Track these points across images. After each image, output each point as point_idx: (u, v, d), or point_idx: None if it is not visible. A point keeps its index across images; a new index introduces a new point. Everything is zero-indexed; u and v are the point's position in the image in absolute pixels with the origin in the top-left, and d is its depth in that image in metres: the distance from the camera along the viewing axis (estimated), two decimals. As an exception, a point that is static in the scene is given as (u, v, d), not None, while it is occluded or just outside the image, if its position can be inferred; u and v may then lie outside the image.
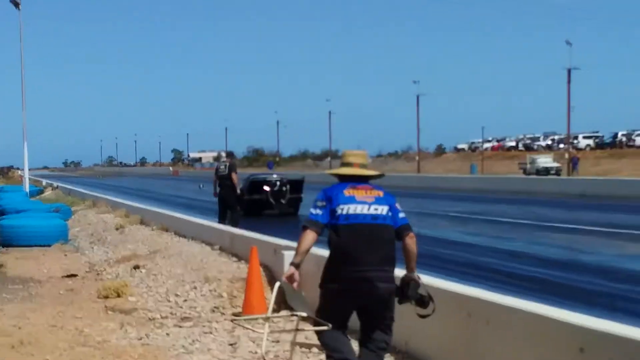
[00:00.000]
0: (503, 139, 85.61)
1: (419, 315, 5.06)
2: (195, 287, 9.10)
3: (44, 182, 46.09)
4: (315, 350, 5.92)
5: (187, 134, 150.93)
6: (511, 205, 25.30)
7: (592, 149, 67.79)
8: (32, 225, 15.28)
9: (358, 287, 4.74)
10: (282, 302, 7.70)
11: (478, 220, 19.76)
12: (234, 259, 10.65)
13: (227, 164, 16.73)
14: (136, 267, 11.07)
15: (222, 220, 16.29)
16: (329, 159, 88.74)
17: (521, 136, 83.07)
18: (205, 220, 15.67)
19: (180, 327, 7.51)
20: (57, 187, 39.19)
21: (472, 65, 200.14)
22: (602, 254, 12.80)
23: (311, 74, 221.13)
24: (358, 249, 4.75)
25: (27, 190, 29.92)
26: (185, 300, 8.62)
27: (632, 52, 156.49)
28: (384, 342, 4.93)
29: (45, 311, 8.35)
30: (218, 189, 16.61)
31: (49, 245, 14.77)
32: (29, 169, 32.47)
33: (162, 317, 7.96)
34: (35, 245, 14.69)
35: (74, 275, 11.05)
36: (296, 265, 4.83)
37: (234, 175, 16.28)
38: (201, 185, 30.04)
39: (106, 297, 9.02)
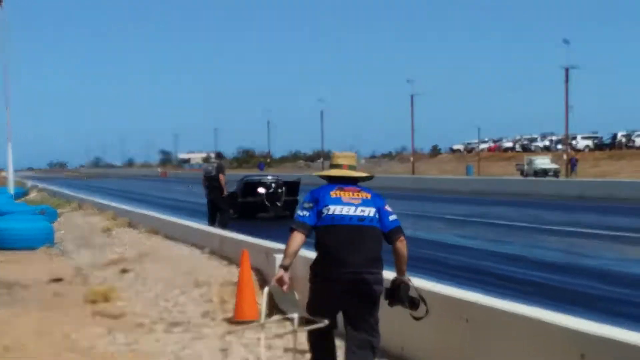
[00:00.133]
0: (500, 140, 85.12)
1: (414, 318, 5.04)
2: (185, 292, 8.99)
3: (29, 183, 45.74)
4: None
5: (176, 135, 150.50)
6: (508, 208, 25.26)
7: (590, 150, 67.67)
8: (16, 228, 15.08)
9: (342, 287, 4.77)
10: (274, 307, 7.58)
11: (474, 222, 19.70)
12: (225, 262, 10.53)
13: (215, 165, 16.62)
14: (124, 271, 10.94)
15: (212, 222, 16.18)
16: (320, 159, 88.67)
17: (518, 137, 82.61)
18: (195, 222, 15.54)
19: (170, 332, 7.39)
20: (43, 188, 38.88)
21: (468, 65, 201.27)
22: (602, 257, 12.75)
23: (303, 73, 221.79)
24: (343, 250, 4.77)
25: (12, 192, 29.62)
26: (175, 305, 8.50)
27: (632, 51, 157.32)
28: (368, 342, 4.90)
29: (30, 316, 8.19)
30: (206, 191, 16.51)
31: (35, 249, 14.58)
32: (14, 170, 32.18)
33: (151, 323, 7.83)
34: (20, 249, 14.49)
35: (60, 280, 10.88)
36: (285, 267, 4.87)
37: (221, 177, 16.15)
38: (190, 187, 29.92)
39: (93, 301, 8.88)
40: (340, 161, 5.10)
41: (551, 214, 22.30)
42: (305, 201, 4.95)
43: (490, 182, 41.75)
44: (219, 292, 8.71)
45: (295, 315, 4.87)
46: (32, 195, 35.35)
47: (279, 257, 7.90)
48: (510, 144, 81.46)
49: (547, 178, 45.86)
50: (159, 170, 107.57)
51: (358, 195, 4.93)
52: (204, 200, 16.92)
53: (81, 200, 26.81)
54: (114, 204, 22.90)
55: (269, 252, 8.71)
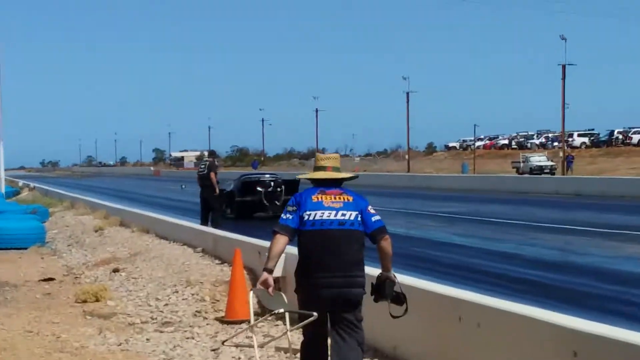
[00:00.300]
0: (496, 137, 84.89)
1: (392, 316, 5.08)
2: (176, 291, 8.94)
3: (21, 182, 45.56)
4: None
5: (169, 133, 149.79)
6: (504, 205, 25.23)
7: (587, 147, 67.61)
8: (7, 228, 15.01)
9: (324, 293, 4.81)
10: (262, 309, 7.55)
11: (470, 220, 19.67)
12: (217, 261, 10.49)
13: (207, 163, 16.58)
14: (115, 271, 10.89)
15: (204, 221, 16.13)
16: (315, 158, 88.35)
17: (514, 134, 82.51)
18: (187, 221, 15.49)
19: (161, 332, 7.36)
20: (34, 187, 38.74)
21: (464, 62, 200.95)
22: (597, 255, 12.74)
23: (298, 71, 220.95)
24: (323, 255, 4.82)
25: (3, 191, 29.49)
26: (167, 305, 8.45)
27: (628, 47, 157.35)
28: (353, 338, 4.94)
29: (21, 316, 8.14)
30: (199, 190, 16.47)
31: (26, 248, 14.52)
32: (5, 169, 32.05)
33: (142, 322, 7.80)
34: (11, 248, 14.43)
35: (51, 279, 10.83)
36: (269, 270, 4.91)
37: (212, 175, 16.10)
38: (183, 186, 29.81)
39: (84, 301, 8.83)
40: (324, 163, 5.12)
41: (547, 211, 22.30)
42: (289, 204, 5.00)
43: (486, 179, 41.70)
44: (210, 291, 8.67)
45: (281, 310, 4.86)
46: (24, 194, 35.22)
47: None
48: (506, 141, 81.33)
49: (543, 175, 45.82)
50: (152, 169, 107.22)
51: (340, 198, 4.95)
52: (198, 199, 16.86)
53: (73, 199, 26.70)
54: (106, 203, 22.80)
55: (262, 251, 8.64)
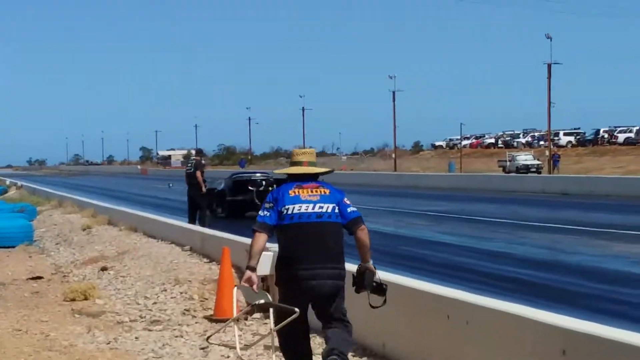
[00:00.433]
0: (482, 136, 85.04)
1: (371, 306, 5.16)
2: (165, 289, 8.93)
3: (8, 181, 45.29)
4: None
5: (156, 132, 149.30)
6: (491, 204, 25.25)
7: (573, 146, 67.88)
8: (-5, 226, 14.92)
9: (305, 285, 4.88)
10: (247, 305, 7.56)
11: (457, 219, 19.69)
12: (205, 260, 10.48)
13: (194, 162, 16.57)
14: (104, 269, 10.86)
15: (192, 220, 16.11)
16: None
17: (500, 133, 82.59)
18: (175, 220, 15.45)
19: (150, 330, 7.34)
20: (22, 186, 38.52)
21: (450, 61, 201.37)
22: (584, 253, 12.78)
23: (284, 69, 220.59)
24: (303, 248, 4.90)
25: (-9, 189, 29.34)
26: (155, 303, 8.44)
27: (614, 46, 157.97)
28: (344, 331, 5.05)
29: (9, 315, 8.10)
30: (187, 188, 16.45)
31: (13, 247, 14.46)
32: (-8, 168, 31.84)
33: (130, 321, 7.77)
34: (-1, 247, 14.34)
35: (39, 278, 10.78)
36: (252, 268, 4.96)
37: (198, 174, 16.09)
38: (170, 185, 29.73)
39: (73, 299, 8.80)
40: (300, 158, 5.19)
41: (534, 210, 22.35)
42: (266, 201, 5.07)
43: (473, 178, 41.76)
44: (199, 289, 8.66)
45: (261, 301, 4.89)
46: (11, 192, 35.02)
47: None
48: (492, 140, 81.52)
49: (530, 174, 45.96)
50: (139, 167, 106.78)
51: (317, 191, 5.04)
52: (185, 198, 16.85)
53: (61, 197, 26.58)
54: (93, 201, 22.71)
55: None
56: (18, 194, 33.52)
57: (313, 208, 4.96)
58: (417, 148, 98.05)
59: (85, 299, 8.81)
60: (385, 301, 5.11)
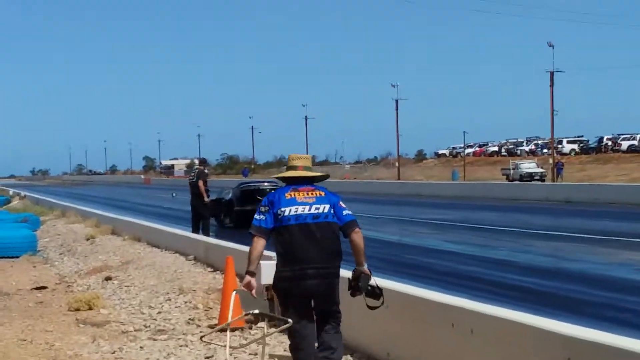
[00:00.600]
0: (485, 144, 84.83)
1: (369, 307, 5.20)
2: (169, 299, 8.93)
3: (11, 191, 45.36)
4: None
5: (159, 141, 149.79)
6: (494, 212, 25.22)
7: (577, 153, 67.69)
8: (-1, 236, 14.95)
9: (302, 284, 4.97)
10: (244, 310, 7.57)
11: (461, 227, 19.67)
12: (209, 269, 10.49)
13: (197, 171, 16.59)
14: (108, 279, 10.87)
15: (195, 229, 16.11)
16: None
17: (504, 141, 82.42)
18: (179, 229, 15.46)
19: (155, 340, 7.34)
20: (25, 196, 38.59)
21: (453, 69, 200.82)
22: (589, 261, 12.76)
23: (287, 78, 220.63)
24: (300, 248, 4.98)
25: (-6, 200, 29.40)
26: (160, 312, 8.44)
27: (617, 54, 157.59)
28: (334, 327, 5.14)
29: (14, 325, 8.12)
30: (190, 197, 16.46)
31: (17, 257, 14.48)
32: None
33: (135, 330, 7.78)
34: (3, 257, 14.38)
35: (44, 288, 10.79)
36: (251, 273, 5.06)
37: (200, 184, 16.10)
38: (174, 194, 29.76)
39: (77, 309, 8.81)
40: (295, 163, 5.30)
41: (538, 218, 22.32)
42: (261, 205, 5.16)
43: (476, 186, 41.71)
44: (203, 299, 8.66)
45: (256, 311, 4.92)
46: (15, 203, 35.09)
47: (264, 264, 7.89)
48: (495, 148, 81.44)
49: (533, 182, 45.91)
50: (143, 177, 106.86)
51: (312, 194, 5.14)
52: (189, 207, 16.86)
53: (64, 207, 26.62)
54: (97, 211, 22.74)
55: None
56: (21, 204, 33.59)
57: (309, 209, 5.05)
58: (420, 156, 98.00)
59: (90, 308, 8.82)
60: (382, 302, 5.16)
